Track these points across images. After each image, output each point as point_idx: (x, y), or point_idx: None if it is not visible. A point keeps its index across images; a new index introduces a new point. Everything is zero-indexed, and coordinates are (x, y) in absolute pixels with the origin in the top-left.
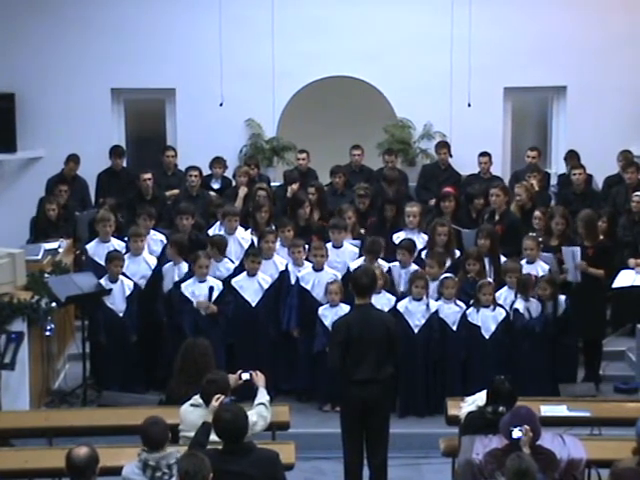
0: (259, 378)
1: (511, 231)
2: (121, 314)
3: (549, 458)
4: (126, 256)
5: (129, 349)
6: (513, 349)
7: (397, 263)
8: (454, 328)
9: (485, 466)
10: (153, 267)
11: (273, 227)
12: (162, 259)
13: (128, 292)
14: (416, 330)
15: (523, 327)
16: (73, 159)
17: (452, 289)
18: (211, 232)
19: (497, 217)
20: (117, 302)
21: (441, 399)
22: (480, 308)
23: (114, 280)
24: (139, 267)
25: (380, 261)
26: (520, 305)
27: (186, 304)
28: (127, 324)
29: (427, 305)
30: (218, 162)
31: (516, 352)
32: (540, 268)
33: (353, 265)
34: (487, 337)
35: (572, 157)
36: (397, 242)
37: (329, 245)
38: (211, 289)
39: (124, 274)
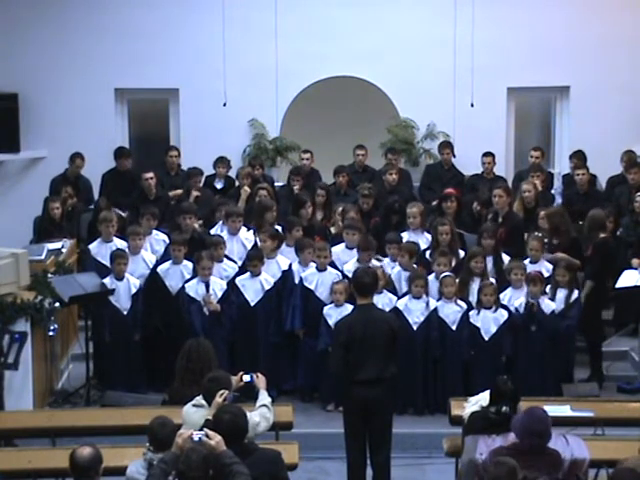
0: (260, 380)
1: (514, 232)
2: (125, 312)
3: (553, 458)
4: None
5: (132, 348)
6: (517, 348)
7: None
8: (454, 328)
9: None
10: (152, 266)
11: (280, 227)
12: (164, 259)
13: (134, 290)
14: (415, 327)
15: (526, 326)
16: (79, 157)
17: (452, 287)
18: (213, 232)
19: (500, 219)
20: (122, 300)
21: (442, 399)
22: (481, 309)
23: (120, 278)
24: (137, 266)
25: (384, 261)
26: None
27: (192, 304)
28: (131, 322)
29: (427, 303)
30: (222, 162)
31: (519, 351)
32: (544, 268)
33: (347, 266)
34: (487, 339)
35: (577, 157)
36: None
37: (342, 246)
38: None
39: None
